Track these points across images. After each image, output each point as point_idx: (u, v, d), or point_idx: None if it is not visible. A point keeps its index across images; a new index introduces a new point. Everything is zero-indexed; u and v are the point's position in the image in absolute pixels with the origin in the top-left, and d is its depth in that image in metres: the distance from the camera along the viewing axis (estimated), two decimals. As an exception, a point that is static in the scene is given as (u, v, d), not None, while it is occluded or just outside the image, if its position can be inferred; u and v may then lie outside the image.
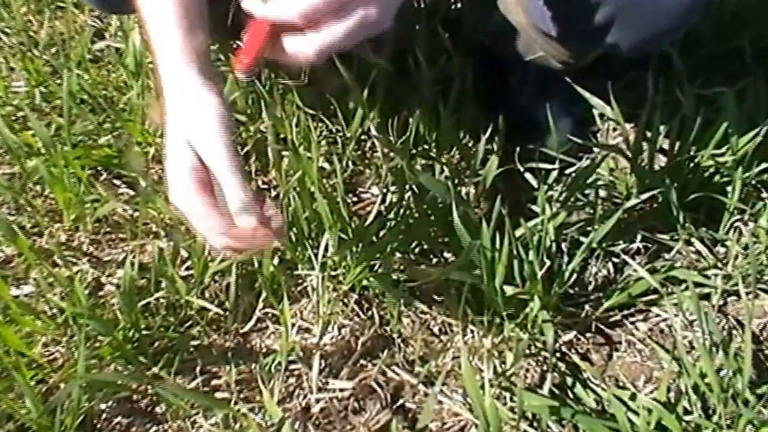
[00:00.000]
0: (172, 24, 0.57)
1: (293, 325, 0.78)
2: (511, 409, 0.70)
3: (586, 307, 0.79)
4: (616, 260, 0.83)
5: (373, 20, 0.49)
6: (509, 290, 0.74)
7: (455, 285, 0.77)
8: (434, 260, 0.82)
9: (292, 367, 0.75)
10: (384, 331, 0.77)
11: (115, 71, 1.03)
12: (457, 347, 0.75)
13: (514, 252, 0.74)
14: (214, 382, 0.75)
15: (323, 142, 0.93)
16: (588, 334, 0.78)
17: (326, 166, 0.91)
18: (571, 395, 0.72)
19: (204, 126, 0.55)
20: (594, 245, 0.78)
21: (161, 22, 0.57)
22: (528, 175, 0.86)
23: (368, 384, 0.73)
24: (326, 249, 0.78)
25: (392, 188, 0.87)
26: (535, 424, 0.70)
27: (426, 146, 0.92)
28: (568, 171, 0.87)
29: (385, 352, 0.75)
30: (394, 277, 0.79)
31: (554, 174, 0.86)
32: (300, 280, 0.82)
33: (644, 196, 0.80)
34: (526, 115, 0.91)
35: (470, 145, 0.92)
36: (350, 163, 0.92)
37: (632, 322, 0.79)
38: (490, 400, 0.64)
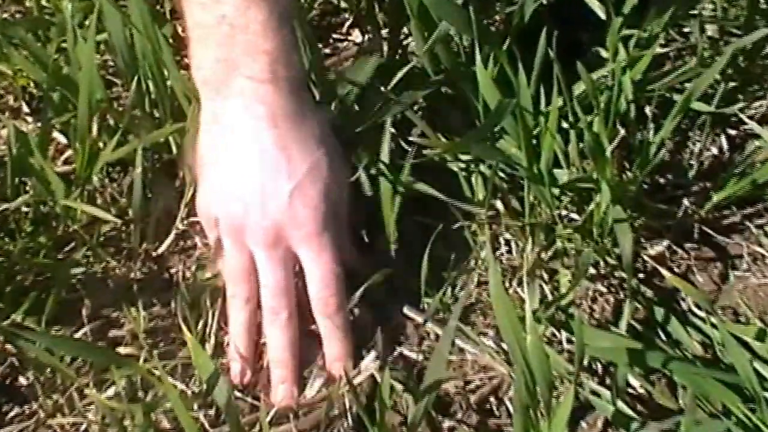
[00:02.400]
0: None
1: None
2: (569, 357, 0.66)
3: (685, 202, 0.75)
4: (731, 130, 0.80)
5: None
6: (563, 175, 0.72)
7: (477, 169, 0.74)
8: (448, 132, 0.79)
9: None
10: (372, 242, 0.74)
11: None
12: (484, 265, 0.72)
13: (570, 117, 0.72)
14: (113, 332, 0.71)
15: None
16: (688, 245, 0.75)
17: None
18: (662, 335, 0.68)
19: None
20: (694, 105, 0.74)
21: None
22: (591, 2, 0.80)
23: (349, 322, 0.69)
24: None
25: (383, 30, 0.84)
26: (607, 379, 0.66)
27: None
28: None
29: (374, 274, 0.69)
30: (387, 157, 0.74)
31: (632, 1, 0.78)
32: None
33: (776, 27, 0.74)
34: None
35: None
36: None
37: (759, 226, 0.76)
38: (535, 342, 0.59)
